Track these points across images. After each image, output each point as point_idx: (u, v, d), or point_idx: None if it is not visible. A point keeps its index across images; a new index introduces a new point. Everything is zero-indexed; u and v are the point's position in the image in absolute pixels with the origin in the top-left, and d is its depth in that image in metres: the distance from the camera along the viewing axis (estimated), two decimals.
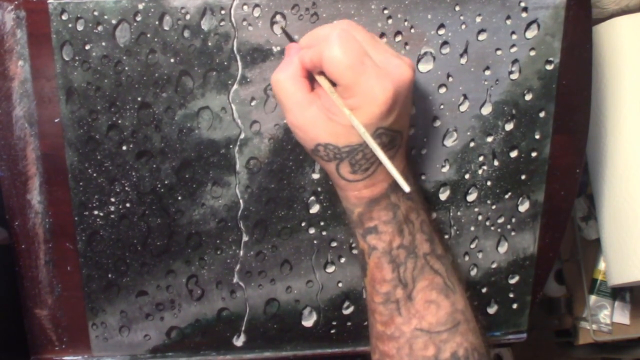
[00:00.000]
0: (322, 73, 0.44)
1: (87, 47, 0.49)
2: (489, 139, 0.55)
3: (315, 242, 0.56)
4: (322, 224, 0.55)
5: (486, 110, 0.54)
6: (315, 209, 0.55)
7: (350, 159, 0.44)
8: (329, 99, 0.43)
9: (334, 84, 0.43)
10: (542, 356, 0.87)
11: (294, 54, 0.46)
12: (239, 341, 0.58)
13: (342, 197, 0.48)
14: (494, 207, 0.57)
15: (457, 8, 0.51)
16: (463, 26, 0.52)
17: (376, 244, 0.46)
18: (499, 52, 0.53)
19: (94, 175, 0.52)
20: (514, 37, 0.53)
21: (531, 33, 0.53)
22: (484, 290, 0.59)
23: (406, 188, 0.43)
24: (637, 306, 0.79)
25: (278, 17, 0.50)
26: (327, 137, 0.43)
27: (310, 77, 0.45)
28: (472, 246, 0.58)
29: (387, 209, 0.45)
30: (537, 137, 0.56)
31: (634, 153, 0.63)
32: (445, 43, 0.52)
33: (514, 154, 0.56)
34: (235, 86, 0.51)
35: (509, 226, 0.58)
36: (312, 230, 0.55)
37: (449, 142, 0.55)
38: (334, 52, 0.41)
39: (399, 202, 0.46)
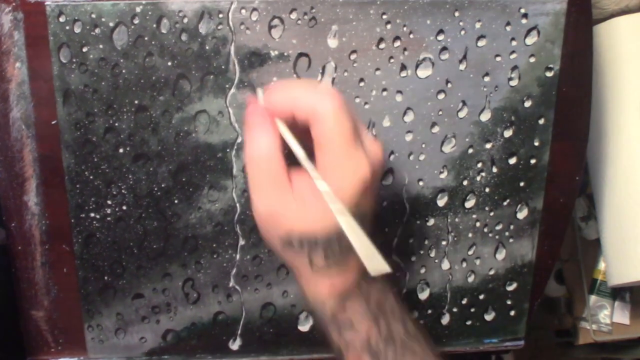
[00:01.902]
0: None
1: (85, 50, 0.49)
2: (488, 146, 0.55)
3: None
4: None
5: (485, 116, 0.54)
6: None
7: (325, 246, 0.39)
8: (302, 181, 0.39)
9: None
10: (542, 356, 0.87)
11: (265, 121, 0.39)
12: (234, 345, 0.58)
13: (312, 293, 0.43)
14: (492, 213, 0.57)
15: (457, 14, 0.51)
16: (462, 32, 0.52)
17: (353, 340, 0.42)
18: (498, 59, 0.53)
19: (91, 177, 0.52)
20: (514, 43, 0.52)
21: (531, 39, 0.53)
22: (481, 297, 0.59)
23: (389, 270, 0.40)
24: (637, 306, 0.78)
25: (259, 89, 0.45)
26: (305, 226, 0.39)
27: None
28: (470, 253, 0.57)
29: (360, 301, 0.42)
30: (536, 144, 0.55)
31: (634, 153, 0.63)
32: (444, 49, 0.52)
33: (512, 160, 0.55)
34: (232, 90, 0.51)
35: (507, 233, 0.57)
36: None
37: (447, 149, 0.54)
38: (332, 116, 0.37)
39: (370, 289, 0.42)
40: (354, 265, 0.41)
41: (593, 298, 0.78)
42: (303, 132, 0.39)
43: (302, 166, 0.39)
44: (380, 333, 0.42)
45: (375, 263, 0.40)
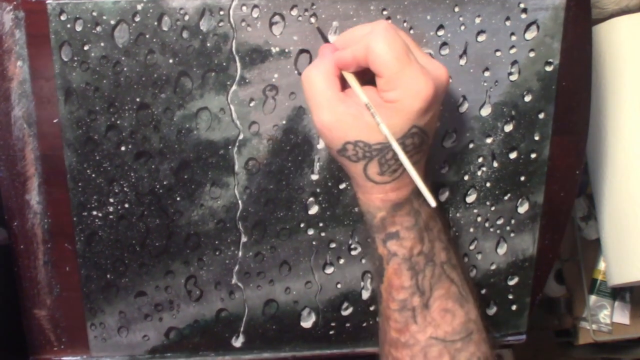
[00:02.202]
0: (355, 73, 0.44)
1: (86, 48, 0.49)
2: (488, 140, 0.55)
3: (314, 243, 0.55)
4: (321, 225, 0.55)
5: (485, 111, 0.54)
6: (314, 210, 0.55)
7: (380, 158, 0.43)
8: (357, 97, 0.43)
9: (370, 83, 0.43)
10: (542, 356, 0.87)
11: (327, 53, 0.45)
12: (237, 342, 0.58)
13: (364, 201, 0.46)
14: (493, 208, 0.57)
15: (457, 9, 0.51)
16: (462, 27, 0.52)
17: (397, 250, 0.45)
18: (498, 53, 0.53)
19: (93, 175, 0.52)
20: (514, 38, 0.53)
21: (531, 34, 0.53)
22: (483, 291, 0.59)
23: (432, 201, 0.42)
24: (637, 306, 0.79)
25: (312, 19, 0.50)
26: (358, 133, 0.42)
27: (342, 80, 0.45)
28: (472, 247, 0.58)
29: (409, 215, 0.45)
30: (536, 138, 0.55)
31: (634, 153, 0.63)
32: (444, 44, 0.52)
33: (513, 155, 0.56)
34: (234, 87, 0.51)
35: (508, 227, 0.58)
36: (311, 232, 0.55)
37: (448, 143, 0.55)
38: (380, 43, 0.41)
39: (421, 208, 0.45)
40: (408, 180, 0.44)
41: (593, 298, 0.78)
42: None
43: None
44: (423, 250, 0.45)
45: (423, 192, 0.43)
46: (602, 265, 0.77)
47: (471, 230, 0.57)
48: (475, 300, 0.48)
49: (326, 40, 0.48)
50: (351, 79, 0.44)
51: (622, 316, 0.78)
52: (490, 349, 0.47)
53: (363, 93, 0.43)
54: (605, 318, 0.78)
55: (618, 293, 0.78)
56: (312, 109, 0.44)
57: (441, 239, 0.46)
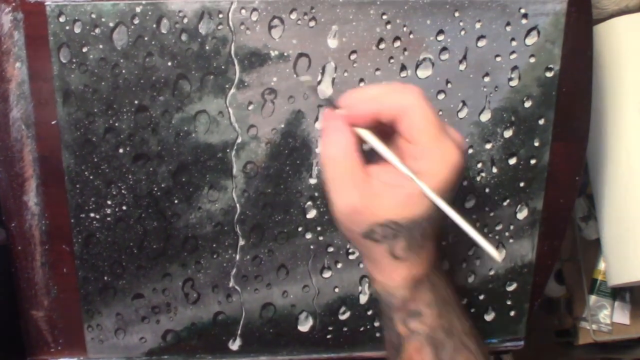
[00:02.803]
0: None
1: (85, 50, 0.49)
2: (488, 146, 0.55)
3: (311, 247, 0.55)
4: (318, 229, 0.55)
5: (485, 117, 0.54)
6: (312, 214, 0.55)
7: (408, 234, 0.40)
8: (381, 172, 0.41)
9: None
10: (542, 356, 0.86)
11: (341, 125, 0.41)
12: (234, 345, 0.58)
13: (383, 282, 0.43)
14: (492, 214, 0.57)
15: (457, 14, 0.51)
16: (462, 32, 0.52)
17: (418, 329, 0.42)
18: (498, 59, 0.53)
19: (91, 177, 0.52)
20: (514, 43, 0.52)
21: (531, 40, 0.53)
22: (481, 297, 0.59)
23: (497, 256, 0.41)
24: (637, 306, 0.78)
25: (302, 78, 0.50)
26: (387, 213, 0.40)
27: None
28: (470, 253, 0.57)
29: (430, 290, 0.43)
30: (536, 144, 0.55)
31: (635, 153, 0.63)
32: (444, 49, 0.52)
33: (512, 161, 0.55)
34: (232, 90, 0.51)
35: (507, 233, 0.57)
36: (308, 235, 0.55)
37: None
38: (422, 108, 0.39)
39: (438, 280, 0.43)
40: (426, 255, 0.42)
41: (593, 298, 0.78)
42: (383, 135, 0.41)
43: (378, 162, 0.41)
44: (443, 325, 0.43)
45: (488, 247, 0.41)
46: (602, 265, 0.76)
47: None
48: (487, 356, 0.46)
49: (331, 103, 0.42)
50: (381, 146, 0.41)
51: (622, 316, 0.78)
52: None
53: (401, 163, 0.40)
54: (605, 318, 0.78)
55: (618, 293, 0.78)
56: (336, 192, 0.41)
57: (455, 307, 0.44)
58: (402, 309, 0.43)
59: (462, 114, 0.54)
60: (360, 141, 0.41)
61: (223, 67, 0.50)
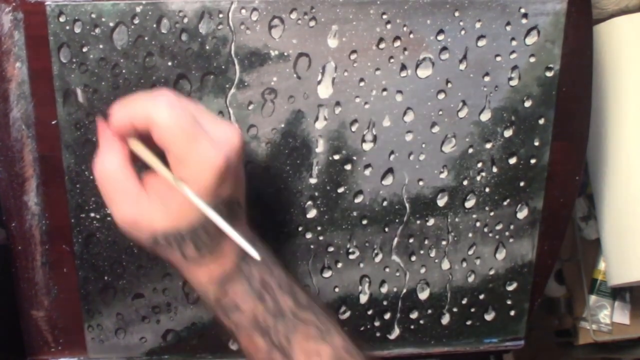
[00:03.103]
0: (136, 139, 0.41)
1: (85, 50, 0.49)
2: (488, 146, 0.55)
3: (312, 246, 0.55)
4: (319, 228, 0.55)
5: (485, 116, 0.54)
6: (312, 213, 0.55)
7: (193, 238, 0.41)
8: (156, 182, 0.41)
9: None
10: (542, 356, 0.87)
11: (110, 137, 0.41)
12: (234, 345, 0.58)
13: (194, 283, 0.44)
14: (492, 213, 0.57)
15: (457, 14, 0.51)
16: (462, 32, 0.52)
17: (241, 321, 0.43)
18: (498, 59, 0.53)
19: (91, 177, 0.52)
20: (514, 43, 0.52)
21: (531, 39, 0.53)
22: (481, 296, 0.59)
23: (257, 256, 0.41)
24: (637, 306, 0.78)
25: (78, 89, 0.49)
26: (165, 223, 0.40)
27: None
28: (470, 253, 0.57)
29: (241, 282, 0.43)
30: (536, 144, 0.55)
31: (634, 153, 0.63)
32: (444, 49, 0.52)
33: (512, 160, 0.55)
34: (232, 90, 0.51)
35: (507, 233, 0.57)
36: (308, 235, 0.55)
37: (447, 148, 0.54)
38: (165, 116, 0.38)
39: (252, 269, 0.43)
40: (228, 250, 0.42)
41: (593, 298, 0.78)
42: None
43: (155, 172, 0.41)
44: (267, 309, 0.43)
45: (247, 247, 0.41)
46: (602, 265, 0.76)
47: (470, 235, 0.57)
48: (337, 327, 0.46)
49: (103, 113, 0.43)
50: (149, 157, 0.41)
51: (622, 316, 0.78)
52: (368, 358, 0.46)
53: (169, 173, 0.40)
54: (605, 318, 0.78)
55: (618, 293, 0.78)
56: (113, 206, 0.41)
57: (282, 288, 0.44)
58: (218, 305, 0.44)
59: (462, 114, 0.54)
60: (134, 155, 0.41)
61: (223, 67, 0.50)
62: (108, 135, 0.41)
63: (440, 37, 0.52)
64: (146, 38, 0.49)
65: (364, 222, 0.55)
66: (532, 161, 0.56)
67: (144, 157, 0.41)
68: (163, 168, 0.40)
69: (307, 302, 0.45)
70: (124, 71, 0.50)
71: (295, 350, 0.43)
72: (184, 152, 0.38)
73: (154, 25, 0.49)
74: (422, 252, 0.57)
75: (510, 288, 0.59)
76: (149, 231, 0.41)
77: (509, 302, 0.59)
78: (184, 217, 0.40)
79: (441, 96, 0.53)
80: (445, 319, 0.59)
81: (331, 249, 0.56)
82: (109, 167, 0.41)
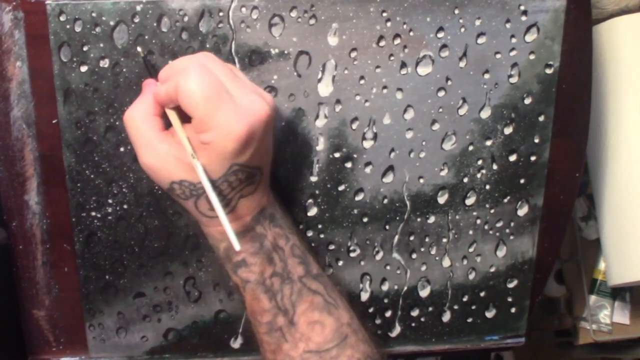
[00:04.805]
0: (176, 108, 0.43)
1: (85, 49, 0.49)
2: (488, 143, 0.55)
3: (312, 244, 0.55)
4: (319, 226, 0.55)
5: (485, 113, 0.54)
6: (313, 211, 0.55)
7: (206, 195, 0.43)
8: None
9: (188, 119, 0.42)
10: (542, 356, 0.87)
11: (148, 91, 0.45)
12: (236, 343, 0.58)
13: (206, 234, 0.47)
14: (492, 211, 0.57)
15: (457, 11, 0.51)
16: (462, 29, 0.52)
17: (248, 277, 0.46)
18: (498, 56, 0.53)
19: (92, 176, 0.52)
20: (514, 40, 0.53)
21: (531, 36, 0.53)
22: (482, 294, 0.59)
23: (237, 246, 0.42)
24: (637, 306, 0.78)
25: (139, 48, 0.49)
26: (181, 173, 0.43)
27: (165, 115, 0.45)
28: (471, 250, 0.58)
29: (252, 241, 0.45)
30: (536, 141, 0.55)
31: (634, 153, 0.63)
32: (444, 46, 0.52)
33: (513, 157, 0.56)
34: None
35: (507, 230, 0.57)
36: (309, 233, 0.55)
37: (447, 146, 0.54)
38: (189, 84, 0.40)
39: (266, 231, 0.46)
40: (243, 211, 0.45)
41: (593, 298, 0.78)
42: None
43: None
44: (275, 270, 0.46)
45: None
46: (602, 265, 0.76)
47: (470, 232, 0.57)
48: (345, 304, 0.48)
49: (152, 73, 0.47)
50: (173, 118, 0.44)
51: (622, 316, 0.78)
52: (371, 346, 0.47)
53: (184, 133, 0.43)
54: (605, 318, 0.78)
55: (618, 293, 0.78)
56: (136, 151, 0.44)
57: (295, 255, 0.47)
58: (227, 259, 0.46)
59: (462, 111, 0.54)
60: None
61: None
62: (147, 92, 0.45)
63: (440, 35, 0.52)
64: (146, 37, 0.49)
65: (365, 219, 0.55)
66: (532, 158, 0.56)
67: (173, 124, 0.43)
68: (184, 139, 0.42)
69: (319, 272, 0.47)
70: (124, 70, 0.50)
71: (300, 317, 0.45)
72: (206, 120, 0.41)
73: (154, 24, 0.49)
74: (422, 249, 0.57)
75: (510, 285, 0.59)
76: (166, 178, 0.43)
77: (509, 300, 0.60)
78: (193, 175, 0.43)
79: (441, 94, 0.53)
80: (446, 317, 0.59)
81: (332, 246, 0.56)
82: (135, 114, 0.43)
